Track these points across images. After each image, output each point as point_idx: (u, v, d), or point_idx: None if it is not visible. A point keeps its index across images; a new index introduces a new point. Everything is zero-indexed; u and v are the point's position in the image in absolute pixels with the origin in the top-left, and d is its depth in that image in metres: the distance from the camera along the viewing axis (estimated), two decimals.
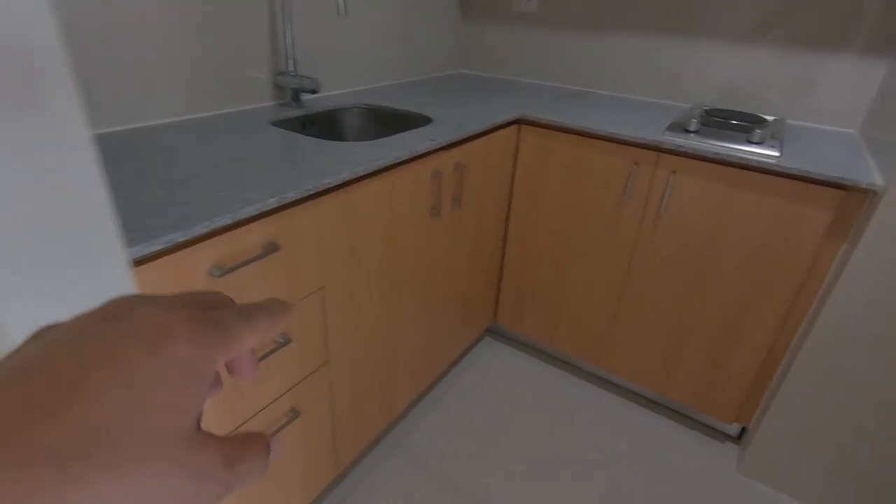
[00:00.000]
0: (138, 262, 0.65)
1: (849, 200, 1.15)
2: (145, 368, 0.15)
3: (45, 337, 0.15)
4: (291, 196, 0.82)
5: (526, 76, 2.04)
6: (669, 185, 1.33)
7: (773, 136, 1.33)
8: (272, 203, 0.79)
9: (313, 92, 1.33)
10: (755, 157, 1.20)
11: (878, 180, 1.09)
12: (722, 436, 1.58)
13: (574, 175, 1.49)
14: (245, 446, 0.18)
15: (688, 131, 1.33)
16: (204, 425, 0.19)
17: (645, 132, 1.35)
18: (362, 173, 0.94)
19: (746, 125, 1.40)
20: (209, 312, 0.18)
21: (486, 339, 1.96)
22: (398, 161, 1.04)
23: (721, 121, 1.44)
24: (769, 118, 1.54)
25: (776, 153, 1.21)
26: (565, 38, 1.89)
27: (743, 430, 1.55)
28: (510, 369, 1.81)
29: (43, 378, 0.14)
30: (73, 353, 0.14)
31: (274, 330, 0.21)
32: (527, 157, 1.56)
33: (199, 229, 0.70)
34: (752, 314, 1.34)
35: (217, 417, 0.85)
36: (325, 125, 1.41)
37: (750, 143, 1.26)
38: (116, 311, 0.16)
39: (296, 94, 1.37)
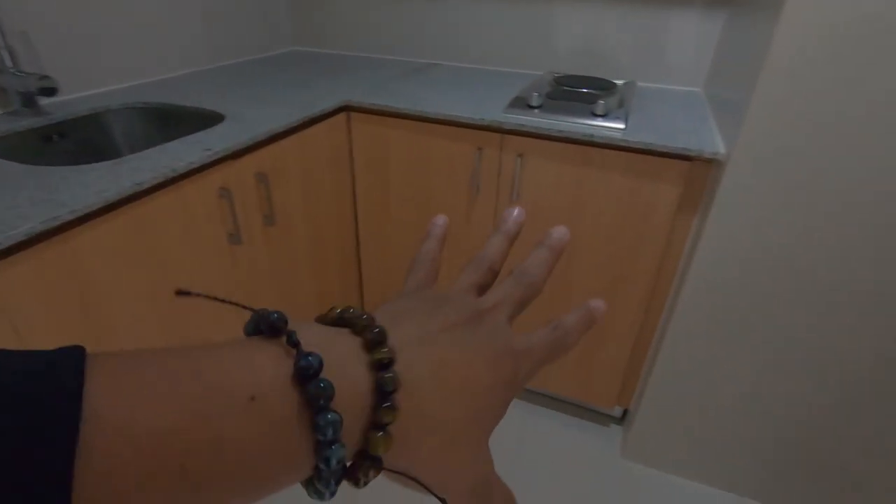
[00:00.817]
0: None
1: (695, 171, 1.07)
2: (488, 382, 0.19)
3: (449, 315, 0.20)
4: None
5: (367, 51, 1.79)
6: (518, 170, 1.18)
7: (619, 104, 1.21)
8: None
9: (51, 93, 0.99)
10: (600, 133, 1.08)
11: (720, 148, 1.00)
12: (607, 419, 1.53)
13: (418, 166, 1.29)
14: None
15: (531, 107, 1.18)
16: None
17: (486, 111, 1.18)
18: (69, 217, 0.66)
19: (593, 94, 1.28)
20: (534, 344, 0.22)
21: None
22: (140, 189, 0.76)
23: (569, 90, 1.31)
24: (619, 82, 1.44)
25: (621, 125, 1.10)
26: (408, 7, 1.65)
27: (625, 413, 1.51)
28: None
29: (436, 351, 0.18)
30: (456, 341, 0.19)
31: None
32: (363, 150, 1.34)
33: None
34: (617, 297, 1.26)
35: None
36: (82, 135, 1.07)
37: (594, 115, 1.13)
38: (474, 321, 0.20)
39: (28, 99, 1.02)
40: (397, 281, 1.51)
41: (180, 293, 0.18)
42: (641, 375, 1.36)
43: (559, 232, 0.26)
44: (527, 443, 1.44)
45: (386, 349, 0.16)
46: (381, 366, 0.16)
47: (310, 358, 0.14)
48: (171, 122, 1.15)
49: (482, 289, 0.24)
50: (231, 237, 0.97)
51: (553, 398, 1.58)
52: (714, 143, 1.03)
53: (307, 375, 0.14)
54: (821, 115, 0.86)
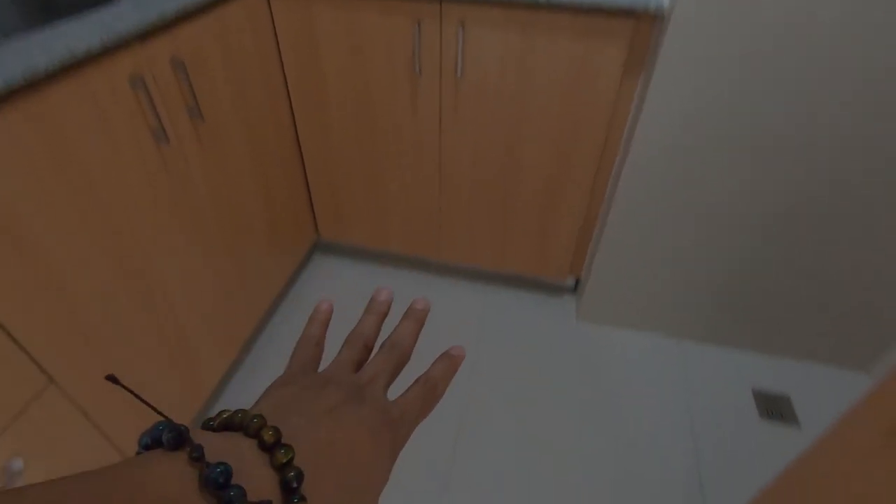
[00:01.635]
0: None
1: (639, 30, 1.04)
2: (363, 459, 0.20)
3: (311, 400, 0.22)
4: None
5: None
6: (460, 42, 1.11)
7: None
8: None
9: None
10: None
11: (664, 1, 0.98)
12: (561, 291, 1.63)
13: (352, 50, 1.19)
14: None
15: None
16: None
17: None
18: None
19: None
20: (399, 416, 0.23)
21: (315, 257, 1.74)
22: (36, 78, 0.66)
23: None
24: None
25: None
26: None
27: (577, 282, 1.61)
28: (348, 280, 1.64)
29: (322, 434, 0.20)
30: (338, 420, 0.21)
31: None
32: (289, 34, 1.21)
33: None
34: (566, 170, 1.28)
35: None
36: None
37: None
38: (352, 396, 0.22)
39: None
40: (345, 180, 1.46)
41: (109, 379, 0.18)
42: (591, 244, 1.43)
43: (420, 304, 0.29)
44: (488, 321, 1.52)
45: (283, 449, 0.17)
46: (283, 465, 0.17)
47: (218, 469, 0.15)
48: (53, 3, 0.97)
49: (359, 364, 0.26)
50: (155, 135, 0.88)
51: (510, 277, 1.66)
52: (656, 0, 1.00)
53: (219, 485, 0.15)
54: None
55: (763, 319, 1.37)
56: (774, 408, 1.30)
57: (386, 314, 0.30)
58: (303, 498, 0.17)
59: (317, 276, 1.67)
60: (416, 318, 0.29)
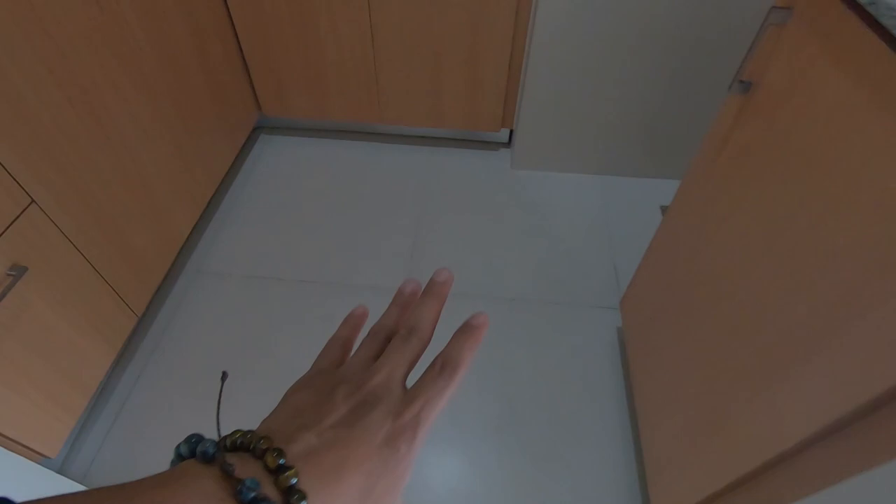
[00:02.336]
0: None
1: None
2: (374, 467, 0.21)
3: (320, 417, 0.21)
4: None
5: None
6: None
7: None
8: None
9: None
10: None
11: None
12: (497, 145, 1.78)
13: None
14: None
15: None
16: None
17: None
18: None
19: None
20: (415, 414, 0.22)
21: (260, 136, 1.78)
22: None
23: None
24: None
25: None
26: None
27: (510, 135, 1.75)
28: (294, 157, 1.71)
29: (329, 455, 0.20)
30: (345, 437, 0.21)
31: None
32: None
33: None
34: (484, 27, 1.36)
35: None
36: None
37: None
38: (360, 404, 0.22)
39: None
40: (282, 52, 1.48)
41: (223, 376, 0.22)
42: (518, 95, 1.56)
43: (441, 276, 0.27)
44: (432, 178, 1.66)
45: (287, 471, 0.18)
46: (288, 488, 0.17)
47: (248, 484, 0.17)
48: None
49: (378, 357, 0.25)
50: None
51: (450, 138, 1.78)
52: None
53: (253, 500, 0.16)
54: None
55: (665, 150, 1.58)
56: None
57: (411, 304, 0.28)
58: None
59: (261, 154, 1.72)
60: (437, 294, 0.27)
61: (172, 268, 1.36)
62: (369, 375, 0.23)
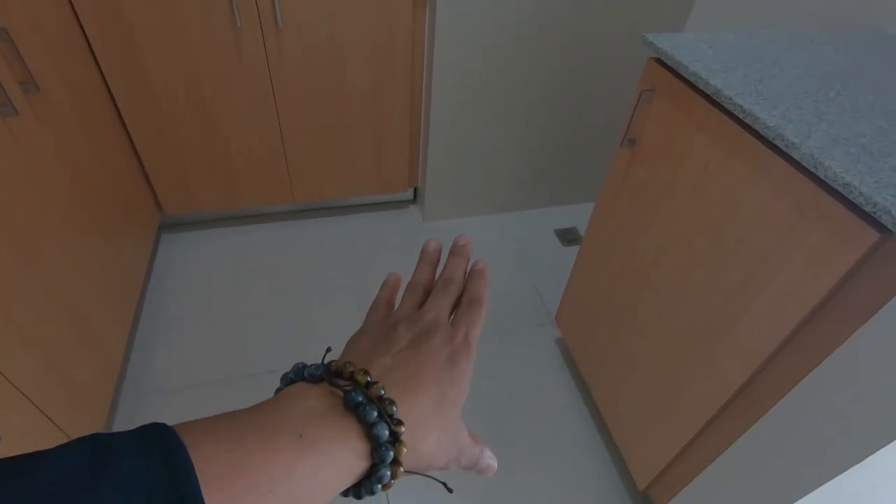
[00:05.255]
0: None
1: None
2: (443, 380, 0.25)
3: (382, 349, 0.25)
4: None
5: None
6: None
7: None
8: None
9: None
10: None
11: None
12: (405, 203, 1.93)
13: (167, 12, 1.22)
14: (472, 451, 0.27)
15: None
16: None
17: None
18: None
19: None
20: (464, 337, 0.27)
21: (164, 237, 1.71)
22: None
23: None
24: None
25: None
26: None
27: (416, 191, 1.92)
28: (208, 251, 1.68)
29: (401, 372, 0.24)
30: (413, 358, 0.25)
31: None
32: (88, 4, 1.18)
33: None
34: (385, 94, 1.54)
35: None
36: None
37: None
38: (420, 335, 0.26)
39: None
40: (182, 148, 1.48)
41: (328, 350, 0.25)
42: (420, 154, 1.75)
43: (462, 240, 0.33)
44: (353, 245, 1.75)
45: (376, 384, 0.21)
46: (380, 398, 0.21)
47: (353, 391, 0.21)
48: None
49: (421, 305, 0.29)
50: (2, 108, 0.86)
51: (360, 204, 1.89)
52: None
53: (357, 403, 0.20)
54: None
55: (549, 182, 1.89)
56: (569, 237, 1.85)
57: (437, 261, 0.33)
58: (400, 422, 0.21)
59: (172, 255, 1.65)
60: (461, 253, 0.32)
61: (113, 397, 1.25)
62: (421, 314, 0.28)
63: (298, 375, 0.22)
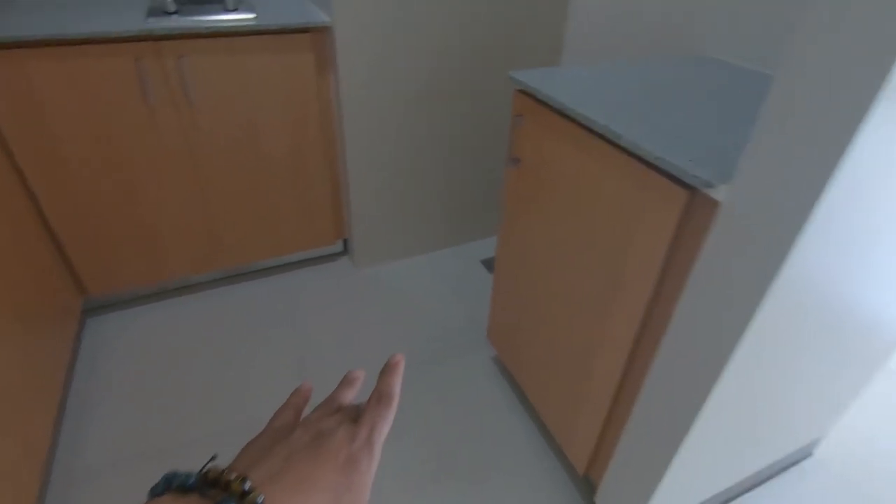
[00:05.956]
0: None
1: (317, 40, 1.49)
2: (339, 484, 0.24)
3: (275, 446, 0.25)
4: None
5: None
6: (184, 71, 1.36)
7: (240, 3, 1.49)
8: None
9: None
10: (240, 23, 1.36)
11: (326, 18, 1.44)
12: (337, 255, 2.01)
13: (78, 94, 1.29)
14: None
15: (169, 12, 1.34)
16: None
17: (130, 23, 1.27)
18: None
19: None
20: (367, 437, 0.27)
21: (89, 321, 1.67)
22: None
23: None
24: None
25: (252, 14, 1.40)
26: None
27: (345, 242, 2.01)
28: (137, 329, 1.65)
29: (292, 475, 0.23)
30: (307, 459, 0.24)
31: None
32: (3, 97, 1.23)
33: None
34: (302, 152, 1.65)
35: None
36: None
37: (228, 10, 1.39)
38: (318, 435, 0.26)
39: None
40: (104, 228, 1.49)
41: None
42: (345, 205, 1.85)
43: (395, 358, 0.32)
44: (287, 304, 1.79)
45: (252, 494, 0.20)
46: None
47: (222, 502, 0.20)
48: None
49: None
50: None
51: (291, 263, 1.94)
52: (321, 16, 1.46)
53: None
54: None
55: (471, 216, 2.04)
56: (493, 265, 1.98)
57: (358, 387, 0.33)
58: None
59: (101, 339, 1.61)
60: (350, 382, 0.33)
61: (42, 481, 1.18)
62: (325, 417, 0.28)
63: (167, 487, 0.21)
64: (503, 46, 1.69)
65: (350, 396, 0.32)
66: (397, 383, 0.30)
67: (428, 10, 1.51)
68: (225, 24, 1.34)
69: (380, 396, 0.29)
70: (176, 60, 1.34)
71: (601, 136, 0.85)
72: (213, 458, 0.23)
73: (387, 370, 0.31)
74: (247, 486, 0.21)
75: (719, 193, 0.67)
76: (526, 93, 1.02)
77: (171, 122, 1.42)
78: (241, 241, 1.73)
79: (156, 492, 0.21)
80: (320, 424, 0.27)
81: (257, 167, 1.60)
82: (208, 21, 1.34)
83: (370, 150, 1.69)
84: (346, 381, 0.33)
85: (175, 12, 1.34)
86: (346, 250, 2.03)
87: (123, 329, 1.64)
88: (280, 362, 1.55)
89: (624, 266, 0.86)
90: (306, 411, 0.31)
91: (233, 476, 0.21)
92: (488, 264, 1.99)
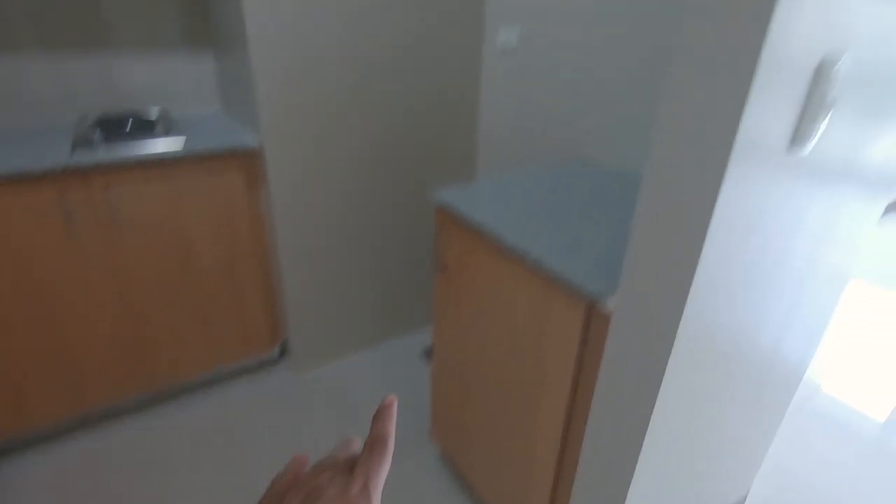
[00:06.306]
0: None
1: (248, 162, 1.57)
2: None
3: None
4: None
5: None
6: (112, 201, 1.38)
7: (169, 128, 1.56)
8: None
9: None
10: (169, 150, 1.42)
11: (255, 142, 1.54)
12: (274, 362, 1.97)
13: (6, 239, 1.27)
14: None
15: (95, 145, 1.38)
16: None
17: (52, 158, 1.29)
18: None
19: (144, 124, 1.57)
20: (362, 487, 0.26)
21: (2, 466, 1.50)
22: None
23: (119, 124, 1.54)
24: (155, 114, 1.75)
25: (181, 140, 1.47)
26: None
27: (283, 346, 1.99)
28: (57, 467, 1.51)
29: None
30: None
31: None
32: None
33: None
34: (237, 262, 1.67)
35: None
36: None
37: (157, 137, 1.46)
38: (309, 495, 0.25)
39: None
40: (15, 360, 1.40)
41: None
42: (280, 311, 1.86)
43: (388, 399, 0.31)
44: (224, 419, 1.72)
45: None
46: None
47: None
48: None
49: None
50: None
51: (227, 374, 1.89)
52: (250, 140, 1.56)
53: None
54: (298, 110, 1.52)
55: (407, 308, 2.11)
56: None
57: (352, 448, 0.31)
58: None
59: (13, 485, 1.45)
60: (386, 415, 0.31)
61: None
62: (316, 477, 0.27)
63: None
64: (422, 158, 1.86)
65: (346, 455, 0.30)
66: (391, 427, 0.29)
67: (351, 128, 1.66)
68: (153, 153, 1.39)
69: (373, 443, 0.28)
70: (103, 191, 1.36)
71: (512, 252, 0.97)
72: None
73: (379, 415, 0.30)
74: None
75: (610, 303, 0.79)
76: (445, 209, 1.15)
77: (97, 248, 1.41)
78: (171, 359, 1.67)
79: None
80: (312, 483, 0.26)
81: (189, 282, 1.60)
82: (136, 150, 1.38)
83: (303, 256, 1.74)
84: (343, 442, 0.31)
85: (102, 143, 1.38)
86: (283, 356, 2.00)
87: (38, 471, 1.49)
88: (216, 487, 1.46)
89: (544, 364, 0.95)
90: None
91: None
92: (428, 355, 2.04)
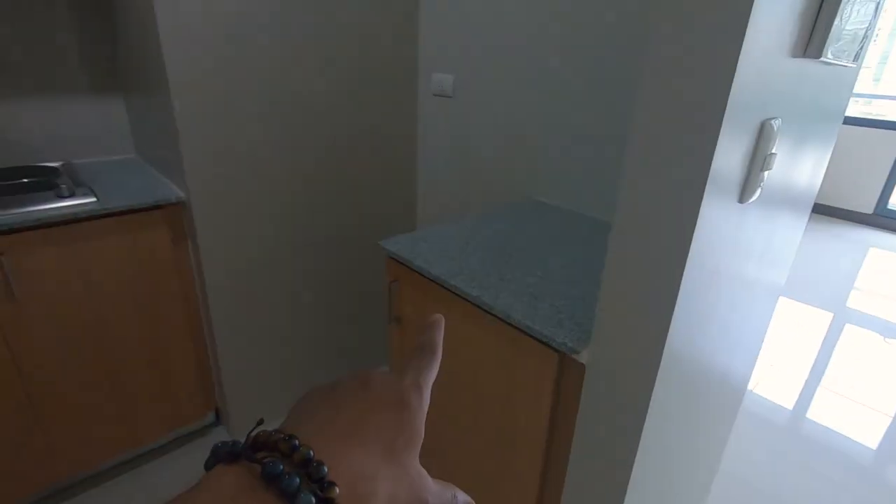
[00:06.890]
0: None
1: (172, 215, 1.44)
2: (391, 423, 0.24)
3: (330, 394, 0.24)
4: None
5: None
6: (7, 270, 1.19)
7: (77, 183, 1.40)
8: None
9: None
10: (79, 210, 1.26)
11: (181, 194, 1.42)
12: (209, 428, 1.79)
13: None
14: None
15: None
16: None
17: None
18: None
19: (44, 180, 1.39)
20: (414, 379, 0.26)
21: None
22: None
23: (15, 183, 1.36)
24: (57, 165, 1.57)
25: (93, 198, 1.32)
26: None
27: (217, 414, 1.81)
28: None
29: (341, 422, 0.23)
30: (356, 403, 0.24)
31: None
32: None
33: None
34: (164, 328, 1.51)
35: None
36: None
37: (63, 197, 1.29)
38: (366, 380, 0.25)
39: None
40: None
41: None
42: (214, 374, 1.69)
43: (434, 317, 0.32)
44: (154, 500, 1.52)
45: (300, 450, 0.20)
46: (305, 462, 0.19)
47: (271, 464, 0.19)
48: None
49: None
50: None
51: (154, 449, 1.68)
52: (174, 193, 1.43)
53: (276, 475, 0.18)
54: (227, 156, 1.42)
55: (351, 362, 2.00)
56: None
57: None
58: (332, 484, 0.19)
59: None
60: (429, 326, 0.31)
61: None
62: (365, 371, 0.26)
63: (216, 458, 0.21)
64: (363, 203, 1.81)
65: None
66: (439, 337, 0.30)
67: (285, 174, 1.57)
68: (58, 213, 1.23)
69: (421, 347, 0.29)
70: None
71: (475, 304, 0.93)
72: (259, 423, 0.23)
73: (427, 327, 0.31)
74: (296, 441, 0.20)
75: (583, 356, 0.77)
76: (397, 259, 1.10)
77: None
78: (84, 444, 1.45)
79: (207, 466, 0.21)
80: (368, 372, 0.26)
81: (107, 352, 1.41)
82: (37, 212, 1.22)
83: (238, 313, 1.61)
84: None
85: None
86: (218, 421, 1.82)
87: None
88: None
89: (518, 414, 0.92)
90: None
91: (280, 436, 0.21)
92: None
